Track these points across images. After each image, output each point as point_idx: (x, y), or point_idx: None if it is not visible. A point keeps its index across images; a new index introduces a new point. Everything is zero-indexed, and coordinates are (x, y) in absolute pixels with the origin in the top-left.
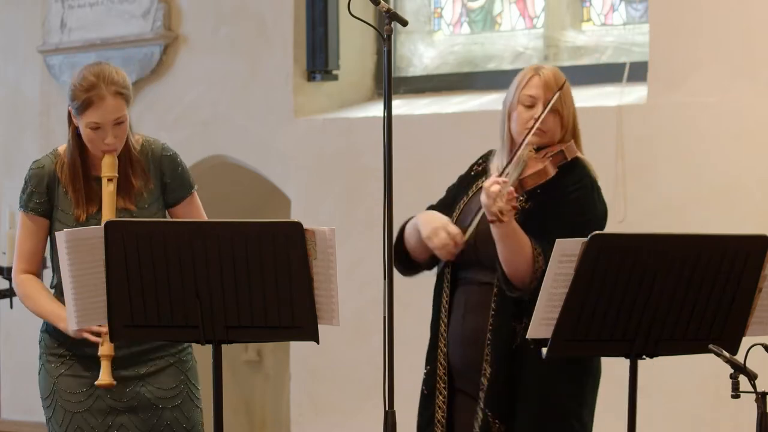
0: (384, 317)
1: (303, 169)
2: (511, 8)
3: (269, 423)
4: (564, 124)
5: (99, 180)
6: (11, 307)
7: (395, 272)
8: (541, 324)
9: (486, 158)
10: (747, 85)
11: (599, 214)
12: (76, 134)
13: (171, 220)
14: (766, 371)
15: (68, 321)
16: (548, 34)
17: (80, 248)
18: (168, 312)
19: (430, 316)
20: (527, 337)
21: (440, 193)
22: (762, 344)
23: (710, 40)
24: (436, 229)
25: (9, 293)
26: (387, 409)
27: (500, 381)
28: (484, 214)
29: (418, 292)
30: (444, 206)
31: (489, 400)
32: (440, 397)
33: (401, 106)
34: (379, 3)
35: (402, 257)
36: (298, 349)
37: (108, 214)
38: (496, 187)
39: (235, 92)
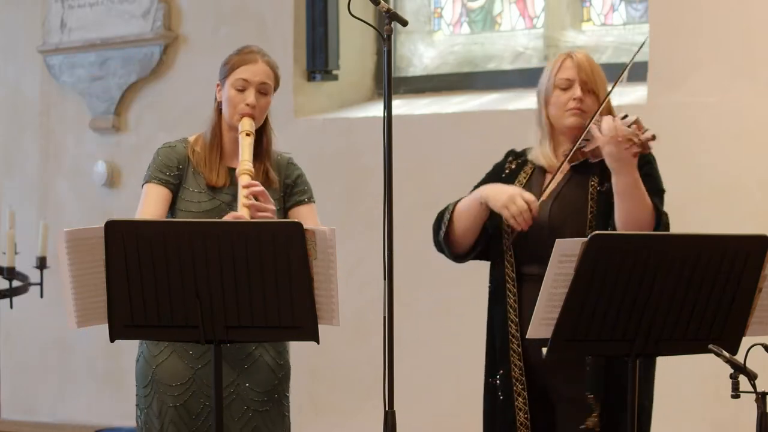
0: (384, 317)
1: (303, 169)
2: (511, 8)
3: None
4: (599, 103)
5: (230, 169)
6: (11, 307)
7: (395, 271)
8: (541, 324)
9: (518, 156)
10: (747, 85)
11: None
12: (218, 109)
13: (171, 220)
14: (766, 371)
15: (68, 321)
16: (548, 34)
17: (80, 248)
18: (168, 312)
19: (429, 316)
20: (527, 337)
21: (441, 193)
22: (762, 344)
23: (710, 40)
24: (512, 197)
25: (9, 293)
26: (387, 409)
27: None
28: (563, 200)
29: (418, 292)
30: None
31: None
32: (520, 399)
33: (401, 106)
34: (379, 3)
35: (447, 244)
36: (298, 349)
37: (247, 158)
38: (619, 124)
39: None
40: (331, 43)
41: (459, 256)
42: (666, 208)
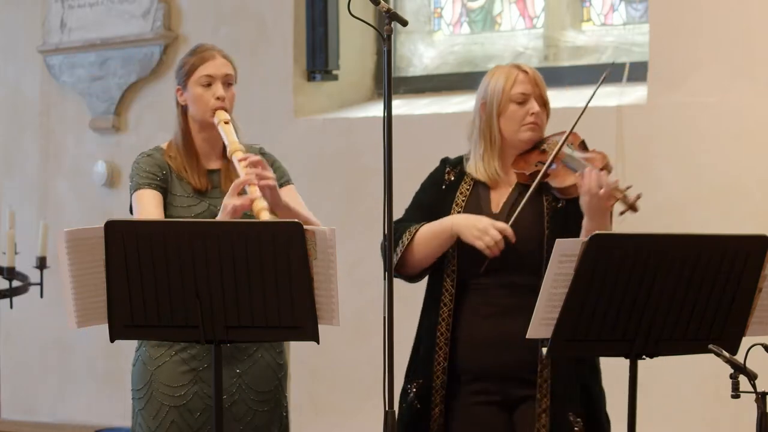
0: (384, 317)
1: (303, 169)
2: (511, 8)
3: None
4: (548, 115)
5: (209, 171)
6: (11, 307)
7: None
8: (541, 324)
9: (454, 165)
10: (747, 85)
11: None
12: (183, 113)
13: (171, 220)
14: (766, 371)
15: (68, 321)
16: (548, 34)
17: (80, 248)
18: (168, 312)
19: None
20: (527, 337)
21: None
22: (762, 344)
23: (710, 40)
24: (485, 229)
25: (9, 293)
26: (387, 409)
27: (564, 380)
28: (518, 216)
29: (418, 291)
30: (425, 220)
31: (558, 400)
32: (436, 410)
33: (401, 106)
34: (379, 3)
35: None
36: (298, 349)
37: (234, 140)
38: (604, 178)
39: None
40: (331, 43)
41: (413, 278)
42: (666, 208)
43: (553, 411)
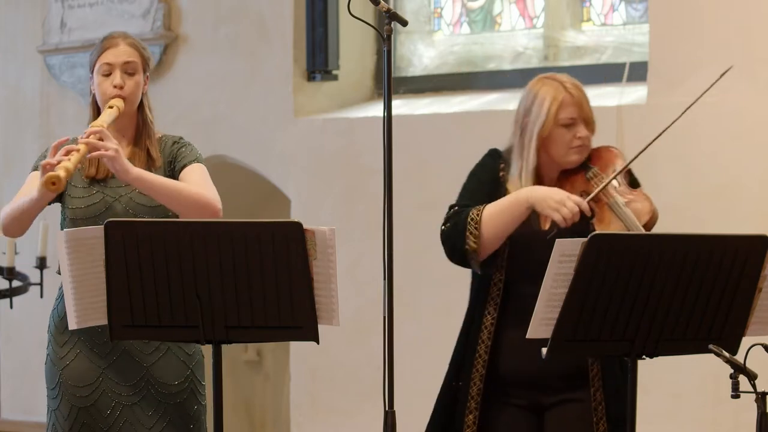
0: (384, 317)
1: (303, 169)
2: (511, 8)
3: (269, 423)
4: (594, 130)
5: None
6: (11, 307)
7: (395, 271)
8: (541, 324)
9: (504, 161)
10: (747, 85)
11: None
12: (93, 101)
13: (171, 220)
14: (766, 371)
15: (68, 321)
16: (548, 34)
17: (80, 248)
18: (168, 312)
19: (429, 316)
20: (527, 337)
21: (441, 193)
22: (762, 344)
23: (710, 40)
24: (562, 200)
25: (9, 293)
26: (387, 409)
27: (615, 386)
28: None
29: (418, 292)
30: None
31: (611, 406)
32: (470, 417)
33: (401, 106)
34: (379, 3)
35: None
36: (298, 349)
37: (102, 121)
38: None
39: (235, 92)
40: (331, 43)
41: (483, 265)
42: (665, 208)
43: (609, 414)
